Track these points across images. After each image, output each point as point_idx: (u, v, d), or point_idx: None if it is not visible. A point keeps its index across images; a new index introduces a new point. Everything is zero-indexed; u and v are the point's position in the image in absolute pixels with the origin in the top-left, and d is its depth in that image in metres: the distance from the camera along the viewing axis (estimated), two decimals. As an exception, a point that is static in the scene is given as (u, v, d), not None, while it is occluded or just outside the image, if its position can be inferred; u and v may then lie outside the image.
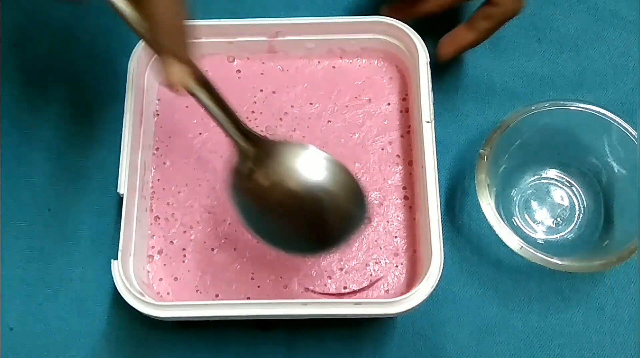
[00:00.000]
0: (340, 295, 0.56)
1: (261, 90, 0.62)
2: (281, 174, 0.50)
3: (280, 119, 0.61)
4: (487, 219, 0.57)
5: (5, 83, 0.66)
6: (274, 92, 0.62)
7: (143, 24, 0.46)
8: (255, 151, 0.50)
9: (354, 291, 0.56)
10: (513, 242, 0.56)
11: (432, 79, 0.58)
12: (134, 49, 0.59)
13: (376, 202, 0.58)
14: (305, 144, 0.50)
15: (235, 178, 0.51)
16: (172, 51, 0.45)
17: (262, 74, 0.63)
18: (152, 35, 0.45)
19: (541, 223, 0.62)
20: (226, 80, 0.62)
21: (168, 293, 0.56)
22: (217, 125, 0.49)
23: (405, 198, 0.58)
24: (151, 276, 0.57)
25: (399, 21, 0.60)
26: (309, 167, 0.50)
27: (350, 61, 0.63)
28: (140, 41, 0.59)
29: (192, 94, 0.47)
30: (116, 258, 0.52)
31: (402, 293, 0.53)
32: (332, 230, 0.51)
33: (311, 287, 0.56)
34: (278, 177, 0.50)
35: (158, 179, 0.59)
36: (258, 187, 0.50)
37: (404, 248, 0.57)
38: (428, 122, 0.56)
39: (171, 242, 0.58)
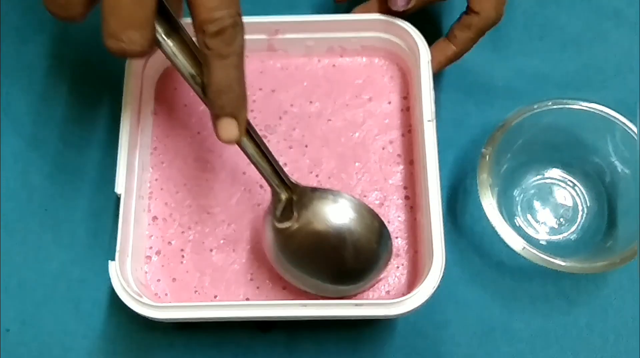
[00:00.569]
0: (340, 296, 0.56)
1: (260, 89, 0.62)
2: (309, 218, 0.53)
3: (280, 118, 0.61)
4: (489, 220, 0.56)
5: (4, 83, 0.66)
6: (273, 90, 0.62)
7: (200, 82, 0.49)
8: (289, 196, 0.54)
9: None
10: (515, 243, 0.55)
11: (433, 77, 0.57)
12: (132, 48, 0.59)
13: (377, 202, 0.58)
14: (335, 191, 0.54)
15: (269, 220, 0.54)
16: (231, 113, 0.48)
17: (261, 72, 0.62)
18: (213, 98, 0.47)
19: (544, 223, 0.61)
20: (225, 79, 0.61)
21: (166, 294, 0.56)
22: (257, 170, 0.53)
23: (407, 198, 0.58)
24: (149, 277, 0.56)
25: (400, 19, 0.59)
26: (336, 211, 0.54)
27: (351, 59, 0.62)
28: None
29: (239, 145, 0.51)
30: (113, 259, 0.52)
31: (403, 294, 0.52)
32: (356, 268, 0.54)
33: (311, 288, 0.56)
34: (307, 220, 0.53)
35: (156, 179, 0.59)
36: (289, 229, 0.53)
37: (405, 248, 0.57)
38: (430, 121, 0.55)
39: (169, 243, 0.57)
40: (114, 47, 0.44)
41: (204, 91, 0.48)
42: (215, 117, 0.48)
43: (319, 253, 0.54)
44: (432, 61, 0.58)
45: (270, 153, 0.52)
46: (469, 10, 0.59)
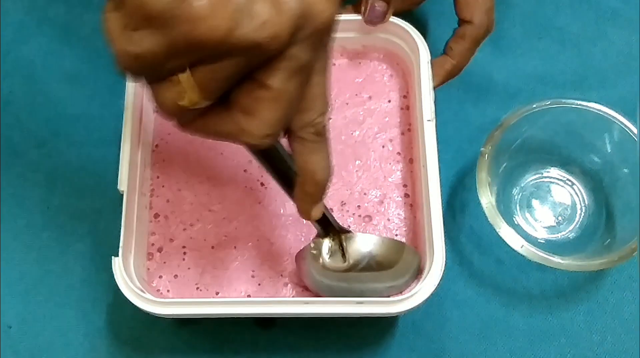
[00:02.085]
0: None
1: (262, 88, 0.62)
2: (358, 257, 0.54)
3: (281, 116, 0.61)
4: (488, 218, 0.57)
5: (5, 81, 0.66)
6: (274, 89, 0.62)
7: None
8: (339, 240, 0.54)
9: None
10: (514, 241, 0.56)
11: (434, 90, 0.57)
12: (134, 46, 0.59)
13: (376, 200, 0.58)
14: (370, 235, 0.56)
15: (315, 260, 0.54)
16: (318, 199, 0.48)
17: (263, 71, 0.62)
18: (316, 189, 0.47)
19: (542, 221, 0.62)
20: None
21: (168, 291, 0.56)
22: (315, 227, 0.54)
23: (406, 195, 0.58)
24: (151, 274, 0.56)
25: (400, 19, 0.59)
26: (367, 249, 0.54)
27: (351, 58, 0.63)
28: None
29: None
30: (117, 255, 0.52)
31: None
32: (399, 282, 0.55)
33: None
34: (355, 260, 0.54)
35: (158, 177, 0.59)
36: (341, 268, 0.54)
37: (405, 246, 0.57)
38: (429, 121, 0.55)
39: (171, 239, 0.57)
40: (267, 142, 0.42)
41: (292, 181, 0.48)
42: (314, 203, 0.49)
43: (366, 281, 0.54)
44: (433, 77, 0.58)
45: (332, 214, 0.54)
46: (460, 22, 0.59)
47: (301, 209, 0.49)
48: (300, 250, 0.55)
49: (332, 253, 0.54)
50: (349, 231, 0.55)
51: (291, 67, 0.39)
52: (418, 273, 0.54)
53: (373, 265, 0.54)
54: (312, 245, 0.54)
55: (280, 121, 0.40)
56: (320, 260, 0.54)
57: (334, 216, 0.54)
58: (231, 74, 0.38)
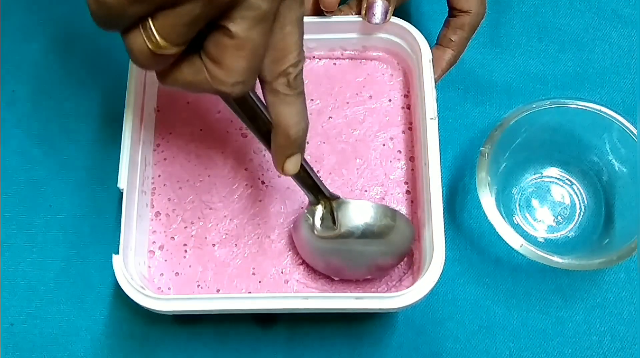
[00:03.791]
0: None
1: (263, 87, 0.62)
2: (347, 223, 0.54)
3: (282, 115, 0.61)
4: (487, 218, 0.57)
5: (6, 80, 0.67)
6: (275, 89, 0.62)
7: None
8: (329, 206, 0.55)
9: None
10: (514, 240, 0.56)
11: (435, 84, 0.57)
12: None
13: (377, 197, 0.58)
14: (361, 201, 0.56)
15: (307, 227, 0.55)
16: (301, 148, 0.49)
17: (264, 71, 0.63)
18: (290, 141, 0.48)
19: (542, 221, 0.62)
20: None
21: (169, 288, 0.56)
22: (299, 185, 0.54)
23: (407, 192, 0.58)
24: (152, 272, 0.56)
25: (401, 19, 0.60)
26: (358, 215, 0.54)
27: (352, 58, 0.63)
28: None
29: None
30: (117, 253, 0.52)
31: (404, 288, 0.53)
32: (379, 261, 0.56)
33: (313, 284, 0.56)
34: (346, 226, 0.54)
35: (159, 175, 0.59)
36: (331, 235, 0.55)
37: (406, 242, 0.57)
38: (432, 119, 0.55)
39: (172, 238, 0.58)
40: (238, 91, 0.43)
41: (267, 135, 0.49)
42: (287, 156, 0.49)
43: (360, 247, 0.55)
44: (435, 70, 0.58)
45: (311, 168, 0.53)
46: (456, 12, 0.60)
47: (275, 161, 0.49)
48: (295, 219, 0.56)
49: (323, 220, 0.55)
50: (338, 198, 0.55)
51: (252, 16, 0.41)
52: (412, 242, 0.55)
53: (368, 234, 0.54)
54: (306, 212, 0.55)
55: (247, 70, 0.42)
56: (314, 229, 0.55)
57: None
58: (192, 20, 0.39)
